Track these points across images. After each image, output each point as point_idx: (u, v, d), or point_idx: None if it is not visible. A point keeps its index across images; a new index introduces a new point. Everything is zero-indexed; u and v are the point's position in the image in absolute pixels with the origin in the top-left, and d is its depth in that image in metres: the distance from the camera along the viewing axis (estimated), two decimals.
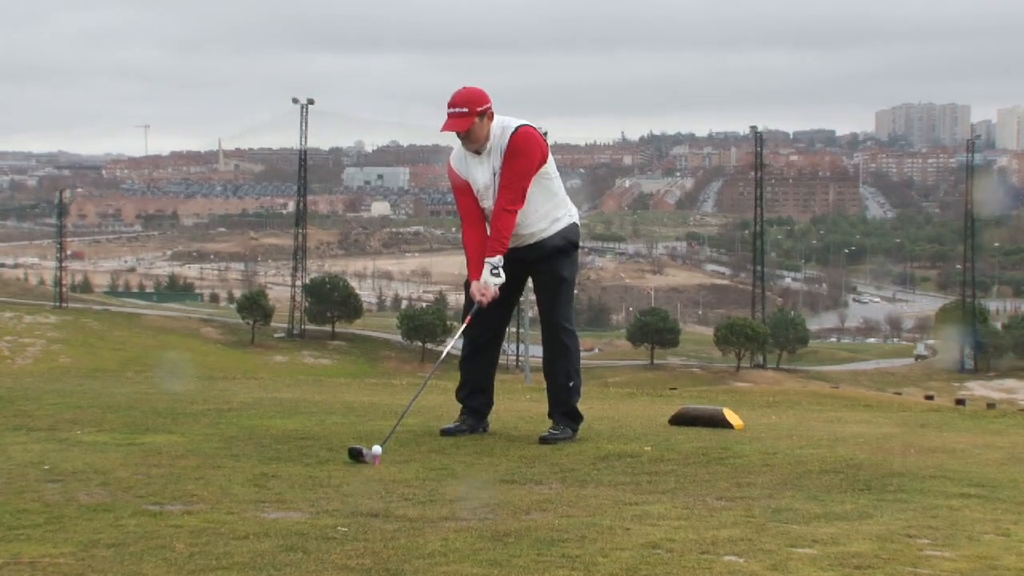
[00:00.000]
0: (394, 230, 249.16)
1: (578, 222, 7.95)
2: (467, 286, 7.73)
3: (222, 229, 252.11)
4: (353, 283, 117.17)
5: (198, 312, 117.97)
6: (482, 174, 7.56)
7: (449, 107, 7.41)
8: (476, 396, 7.97)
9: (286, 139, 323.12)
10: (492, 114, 7.51)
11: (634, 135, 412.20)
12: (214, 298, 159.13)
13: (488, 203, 7.60)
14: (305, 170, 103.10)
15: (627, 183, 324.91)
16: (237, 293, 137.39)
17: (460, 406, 8.03)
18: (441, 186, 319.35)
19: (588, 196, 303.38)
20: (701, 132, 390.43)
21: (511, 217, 7.49)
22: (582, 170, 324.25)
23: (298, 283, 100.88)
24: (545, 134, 8.06)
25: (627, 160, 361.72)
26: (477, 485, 6.19)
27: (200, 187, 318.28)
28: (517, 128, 7.52)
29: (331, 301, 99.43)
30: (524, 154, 7.46)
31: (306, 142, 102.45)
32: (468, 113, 7.38)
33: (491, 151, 7.50)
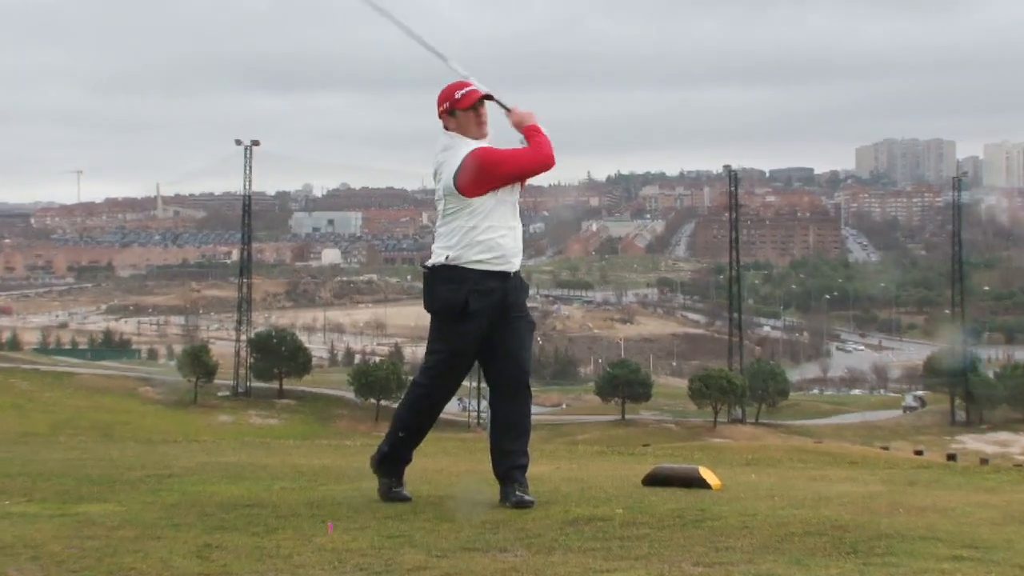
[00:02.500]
0: (346, 279, 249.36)
1: None
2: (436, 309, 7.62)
3: (161, 280, 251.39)
4: (302, 336, 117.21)
5: (135, 370, 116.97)
6: None
7: (469, 86, 7.66)
8: (407, 449, 7.87)
9: (229, 183, 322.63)
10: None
11: (601, 175, 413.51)
12: (153, 355, 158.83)
13: (511, 195, 7.64)
14: (249, 216, 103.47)
15: (594, 226, 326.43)
16: (177, 349, 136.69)
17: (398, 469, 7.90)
18: (396, 232, 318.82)
19: (552, 240, 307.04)
20: (672, 171, 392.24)
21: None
22: (546, 213, 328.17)
23: (243, 337, 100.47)
24: None
25: (594, 202, 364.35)
26: (437, 554, 6.13)
27: (137, 236, 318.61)
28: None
29: (279, 356, 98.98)
30: None
31: (250, 186, 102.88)
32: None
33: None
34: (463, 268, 7.42)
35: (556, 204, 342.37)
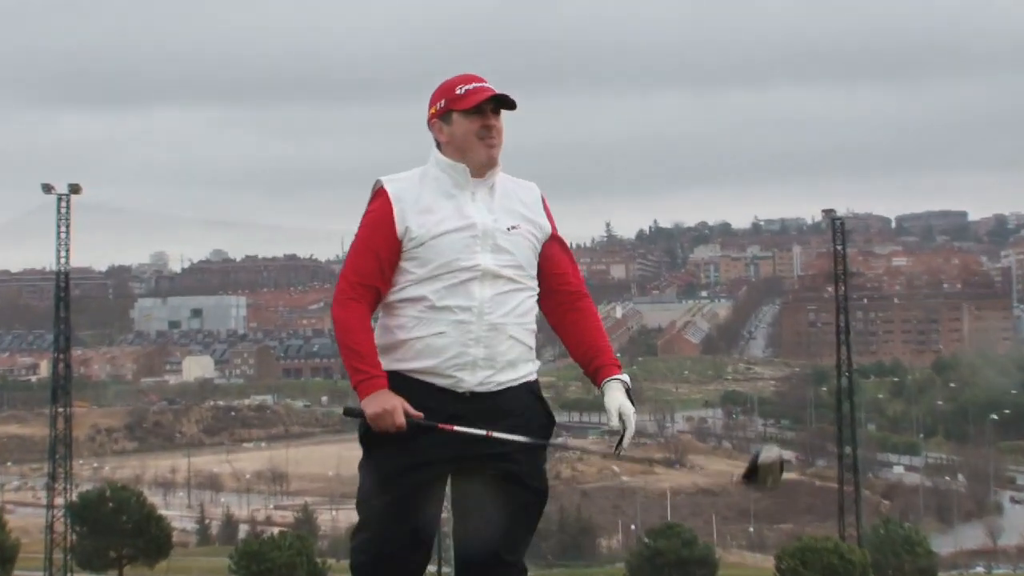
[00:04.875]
0: (223, 404, 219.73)
1: None
2: (365, 433, 6.72)
3: None
4: (154, 498, 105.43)
5: None
6: (477, 211, 6.80)
7: (480, 81, 6.89)
8: None
9: (31, 254, 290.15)
10: None
11: (627, 228, 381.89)
12: None
13: (479, 259, 6.72)
14: (67, 307, 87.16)
15: (619, 311, 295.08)
16: None
17: None
18: (301, 326, 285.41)
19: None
20: (740, 220, 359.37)
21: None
22: None
23: (59, 501, 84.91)
24: None
25: (617, 272, 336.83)
26: None
27: None
28: (535, 185, 7.17)
29: (116, 531, 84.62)
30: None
31: (68, 259, 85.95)
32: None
33: (494, 186, 6.87)
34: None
35: None
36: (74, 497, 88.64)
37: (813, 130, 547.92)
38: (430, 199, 6.80)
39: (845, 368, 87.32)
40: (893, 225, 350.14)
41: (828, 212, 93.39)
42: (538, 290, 6.86)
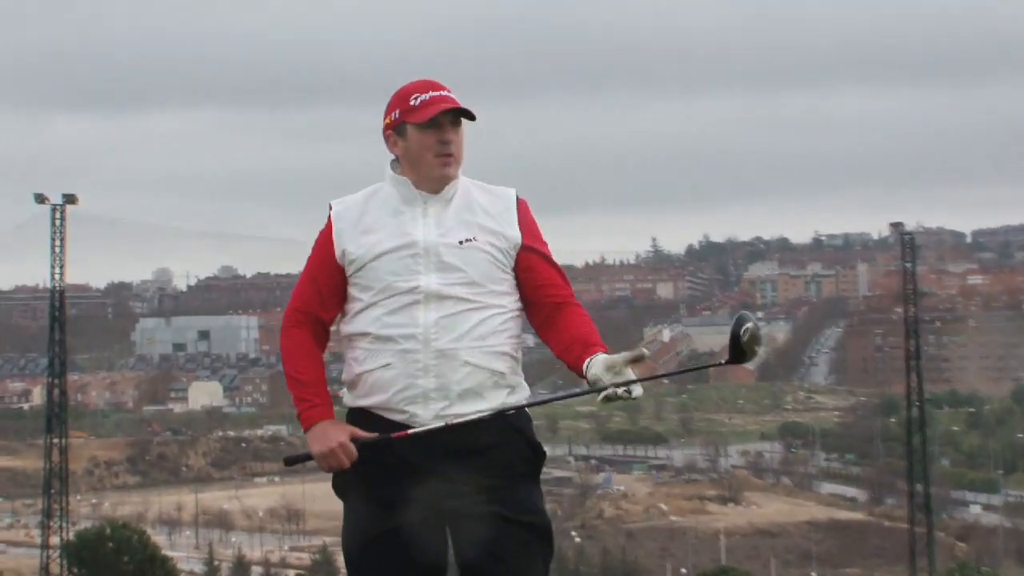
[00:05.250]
0: (233, 435, 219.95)
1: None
2: (334, 480, 6.87)
3: None
4: (158, 538, 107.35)
5: None
6: (423, 228, 6.71)
7: (437, 89, 6.74)
8: None
9: (21, 270, 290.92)
10: None
11: (675, 243, 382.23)
12: None
13: (420, 280, 6.65)
14: (63, 328, 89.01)
15: (666, 334, 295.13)
16: None
17: None
18: None
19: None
20: (799, 235, 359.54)
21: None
22: None
23: (54, 540, 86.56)
24: None
25: (664, 291, 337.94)
26: None
27: None
28: (514, 191, 6.92)
29: (117, 573, 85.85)
30: (542, 235, 6.96)
31: (63, 276, 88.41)
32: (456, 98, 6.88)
33: (452, 198, 6.76)
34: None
35: (597, 297, 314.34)
36: (71, 536, 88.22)
37: (880, 136, 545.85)
38: (373, 218, 6.73)
39: (916, 397, 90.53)
40: (968, 240, 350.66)
41: (896, 226, 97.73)
42: (513, 307, 6.71)
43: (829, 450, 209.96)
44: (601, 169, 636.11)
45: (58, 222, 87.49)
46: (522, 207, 6.84)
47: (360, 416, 6.73)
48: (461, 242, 6.64)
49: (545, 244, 6.89)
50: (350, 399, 6.80)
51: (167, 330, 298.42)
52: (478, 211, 6.76)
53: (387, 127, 6.81)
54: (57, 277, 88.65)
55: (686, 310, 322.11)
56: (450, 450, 6.61)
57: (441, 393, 6.55)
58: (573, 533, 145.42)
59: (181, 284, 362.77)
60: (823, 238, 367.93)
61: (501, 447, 6.62)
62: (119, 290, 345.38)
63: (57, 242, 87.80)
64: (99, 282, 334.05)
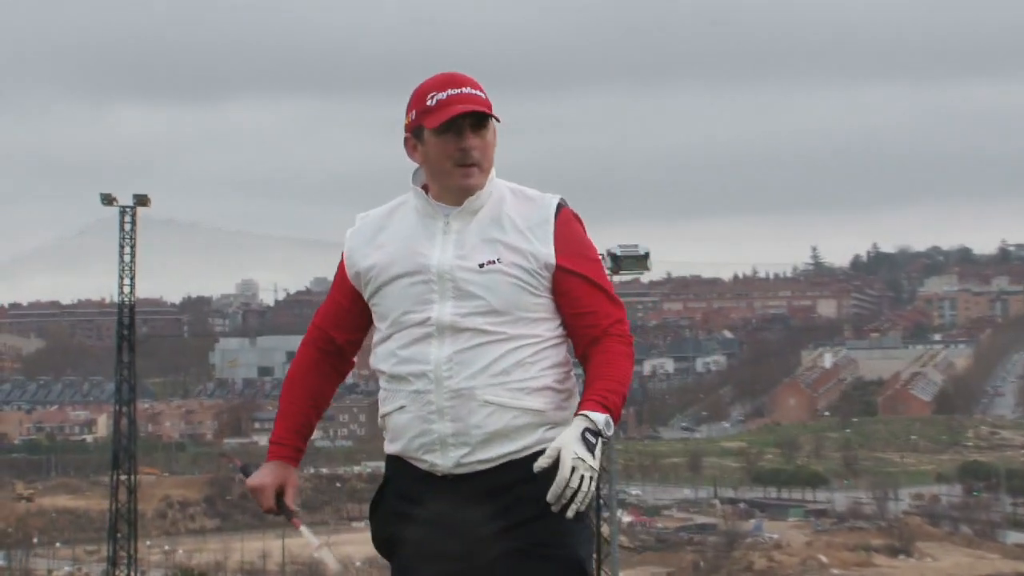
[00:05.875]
0: (326, 472, 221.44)
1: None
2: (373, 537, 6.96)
3: None
4: None
5: None
6: (440, 249, 6.64)
7: (458, 86, 6.58)
8: None
9: (85, 282, 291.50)
10: None
11: (839, 253, 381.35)
12: None
13: (433, 311, 6.58)
14: (132, 349, 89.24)
15: (827, 359, 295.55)
16: None
17: None
18: None
19: (741, 391, 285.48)
20: (983, 244, 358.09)
21: (630, 362, 6.71)
22: (727, 334, 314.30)
23: None
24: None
25: (825, 309, 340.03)
26: None
27: None
28: (558, 200, 6.76)
29: None
30: (592, 251, 6.80)
31: (133, 288, 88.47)
32: (487, 98, 6.64)
33: (479, 211, 6.66)
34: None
35: (748, 316, 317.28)
36: None
37: None
38: (389, 236, 6.73)
39: None
40: None
41: None
42: (551, 334, 6.59)
43: (1016, 493, 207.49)
44: (751, 168, 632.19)
45: (127, 226, 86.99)
46: (562, 218, 6.67)
47: (394, 463, 6.80)
48: (481, 265, 6.57)
49: (593, 261, 6.73)
50: (385, 443, 6.86)
51: (251, 351, 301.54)
52: (507, 226, 6.67)
53: (406, 130, 6.77)
54: (126, 290, 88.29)
55: (851, 331, 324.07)
56: (476, 493, 6.55)
57: (460, 439, 6.51)
58: None
59: (268, 298, 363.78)
60: (1011, 248, 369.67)
61: (531, 480, 6.43)
62: (197, 305, 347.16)
63: (126, 250, 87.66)
64: (174, 296, 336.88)
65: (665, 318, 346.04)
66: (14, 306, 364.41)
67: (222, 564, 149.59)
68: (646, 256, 75.12)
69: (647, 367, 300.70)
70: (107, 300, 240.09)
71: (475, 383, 6.44)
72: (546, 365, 6.55)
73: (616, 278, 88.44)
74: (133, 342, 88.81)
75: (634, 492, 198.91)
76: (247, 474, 7.00)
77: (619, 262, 74.23)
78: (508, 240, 6.57)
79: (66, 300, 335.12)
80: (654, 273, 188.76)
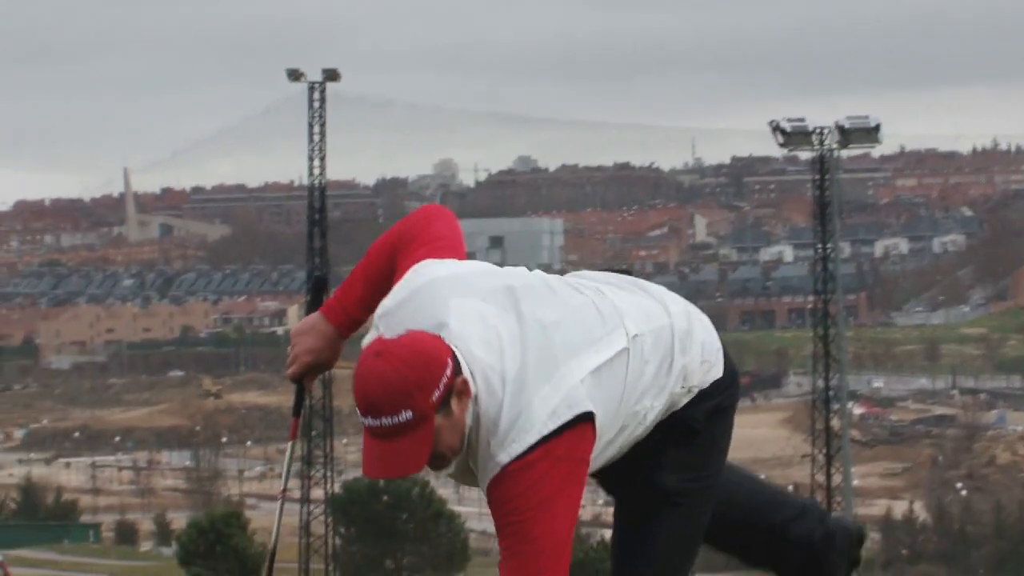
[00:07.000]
0: None
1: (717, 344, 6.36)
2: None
3: (133, 374, 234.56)
4: (444, 490, 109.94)
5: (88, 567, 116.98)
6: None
7: (368, 415, 5.90)
8: None
9: (272, 164, 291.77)
10: (464, 378, 5.96)
11: None
12: (127, 535, 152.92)
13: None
14: (324, 234, 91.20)
15: None
16: (181, 523, 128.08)
17: None
18: (639, 258, 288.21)
19: (984, 270, 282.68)
20: None
21: None
22: (966, 211, 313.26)
23: (318, 494, 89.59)
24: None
25: None
26: None
27: (86, 280, 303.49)
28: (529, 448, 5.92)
29: (394, 534, 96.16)
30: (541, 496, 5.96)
31: (324, 169, 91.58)
32: (413, 420, 5.88)
33: (470, 441, 6.08)
34: None
35: (988, 192, 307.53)
36: (337, 488, 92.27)
37: None
38: None
39: None
40: None
41: None
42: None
43: None
44: (990, 29, 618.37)
45: (316, 104, 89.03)
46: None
47: None
48: None
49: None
50: None
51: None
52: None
53: (438, 400, 5.96)
54: (317, 172, 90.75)
55: None
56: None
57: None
58: (959, 485, 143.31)
59: (468, 179, 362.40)
60: None
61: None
62: (392, 187, 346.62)
63: (316, 129, 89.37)
64: (367, 178, 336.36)
65: (898, 195, 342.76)
66: (197, 190, 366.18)
67: None
68: (877, 128, 73.88)
69: (879, 248, 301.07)
70: (296, 183, 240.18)
71: None
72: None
73: (845, 152, 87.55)
74: (325, 227, 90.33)
75: (867, 382, 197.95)
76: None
77: (847, 135, 73.27)
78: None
79: (252, 183, 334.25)
80: (886, 147, 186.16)
